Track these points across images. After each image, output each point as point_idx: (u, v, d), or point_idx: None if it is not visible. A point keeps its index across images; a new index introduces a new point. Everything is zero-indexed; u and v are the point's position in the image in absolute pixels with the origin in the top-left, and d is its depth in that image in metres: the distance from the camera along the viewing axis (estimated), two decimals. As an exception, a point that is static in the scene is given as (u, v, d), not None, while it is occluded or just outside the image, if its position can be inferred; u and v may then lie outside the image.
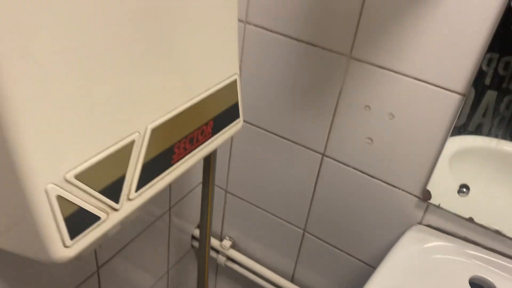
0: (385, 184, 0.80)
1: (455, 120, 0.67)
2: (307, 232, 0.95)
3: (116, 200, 0.47)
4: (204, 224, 0.85)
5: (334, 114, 0.79)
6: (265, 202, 0.99)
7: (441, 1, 0.63)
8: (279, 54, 0.81)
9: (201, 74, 0.56)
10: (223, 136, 0.64)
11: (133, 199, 0.50)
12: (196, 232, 1.11)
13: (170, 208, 0.98)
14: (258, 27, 0.81)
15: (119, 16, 0.42)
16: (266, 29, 0.80)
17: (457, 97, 0.67)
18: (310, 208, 0.92)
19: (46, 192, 0.40)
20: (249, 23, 0.81)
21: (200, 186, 1.06)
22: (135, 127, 0.48)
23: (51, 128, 0.39)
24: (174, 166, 0.55)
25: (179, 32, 0.50)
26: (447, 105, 0.68)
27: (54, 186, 0.40)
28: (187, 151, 0.57)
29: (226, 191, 1.03)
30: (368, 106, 0.75)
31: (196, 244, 1.11)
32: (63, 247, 0.43)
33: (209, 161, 0.79)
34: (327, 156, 0.84)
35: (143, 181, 0.50)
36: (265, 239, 1.03)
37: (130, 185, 0.49)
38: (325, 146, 0.83)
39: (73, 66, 0.40)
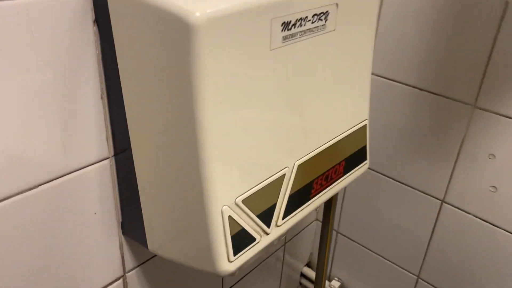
0: (509, 234, 0.78)
1: None
2: (421, 279, 0.95)
3: (268, 225, 0.54)
4: (321, 264, 0.89)
5: (456, 161, 0.81)
6: (377, 245, 1.00)
7: None
8: (399, 102, 0.85)
9: (340, 118, 0.63)
10: (352, 176, 0.69)
11: (280, 225, 0.56)
12: (306, 270, 1.14)
13: (284, 244, 1.03)
14: (379, 77, 0.86)
15: (287, 85, 0.51)
16: (387, 78, 0.86)
17: None
18: (425, 255, 0.92)
19: (222, 212, 0.48)
20: (372, 74, 0.87)
21: (312, 225, 1.11)
22: (286, 163, 0.55)
23: (233, 162, 0.48)
24: (311, 200, 0.61)
25: (327, 86, 0.58)
26: None
27: (227, 208, 0.48)
28: (322, 187, 0.63)
29: (338, 232, 1.07)
30: (493, 155, 0.76)
31: (304, 282, 1.15)
32: (227, 262, 0.50)
33: (330, 201, 0.84)
34: (446, 203, 0.85)
35: (288, 211, 0.57)
36: (375, 283, 1.04)
37: (279, 213, 0.56)
38: (445, 193, 0.84)
39: (254, 122, 0.49)
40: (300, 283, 1.16)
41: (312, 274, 1.14)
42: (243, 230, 0.51)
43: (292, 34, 0.49)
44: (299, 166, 0.57)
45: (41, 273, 0.54)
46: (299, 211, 0.59)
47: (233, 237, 0.50)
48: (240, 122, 0.48)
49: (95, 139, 0.54)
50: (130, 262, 0.65)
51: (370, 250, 1.02)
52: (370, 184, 0.96)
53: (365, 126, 0.69)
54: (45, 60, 0.46)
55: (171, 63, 0.43)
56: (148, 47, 0.45)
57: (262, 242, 0.54)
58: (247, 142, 0.49)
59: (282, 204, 0.56)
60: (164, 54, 0.43)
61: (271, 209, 0.55)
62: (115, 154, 0.56)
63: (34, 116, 0.47)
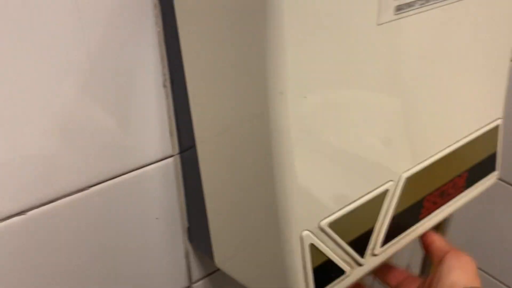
0: None
1: None
2: (555, 319, 0.75)
3: (362, 254, 0.42)
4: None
5: None
6: (499, 271, 0.82)
7: None
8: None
9: (464, 117, 0.48)
10: (476, 191, 0.54)
11: (377, 254, 0.44)
12: None
13: (379, 255, 0.90)
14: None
15: (397, 72, 0.38)
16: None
17: None
18: None
19: (301, 239, 0.37)
20: (505, 59, 0.69)
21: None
22: (390, 175, 0.42)
23: (319, 173, 0.36)
24: (420, 222, 0.48)
25: (451, 74, 0.43)
26: None
27: (309, 233, 0.37)
28: (436, 206, 0.49)
29: (445, 247, 0.90)
30: None
31: (400, 299, 1.00)
32: (306, 299, 0.39)
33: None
34: None
35: (389, 236, 0.44)
36: (490, 314, 0.86)
37: (376, 239, 0.43)
38: None
39: (349, 122, 0.37)
40: (395, 300, 1.01)
41: (409, 290, 0.99)
42: (329, 262, 0.39)
43: (410, 3, 0.36)
44: (408, 179, 0.44)
45: (99, 284, 0.47)
46: (404, 237, 0.46)
47: (315, 270, 0.39)
48: (331, 121, 0.36)
49: (157, 133, 0.45)
50: (196, 272, 0.57)
51: (489, 274, 0.84)
52: (495, 196, 0.78)
53: (497, 127, 0.53)
54: (96, 39, 0.38)
55: (242, 38, 0.33)
56: (215, 19, 0.34)
57: (353, 275, 0.42)
58: (338, 147, 0.37)
59: (381, 228, 0.43)
60: (234, 27, 0.33)
61: (367, 234, 0.42)
62: (181, 152, 0.48)
63: (83, 106, 0.39)
